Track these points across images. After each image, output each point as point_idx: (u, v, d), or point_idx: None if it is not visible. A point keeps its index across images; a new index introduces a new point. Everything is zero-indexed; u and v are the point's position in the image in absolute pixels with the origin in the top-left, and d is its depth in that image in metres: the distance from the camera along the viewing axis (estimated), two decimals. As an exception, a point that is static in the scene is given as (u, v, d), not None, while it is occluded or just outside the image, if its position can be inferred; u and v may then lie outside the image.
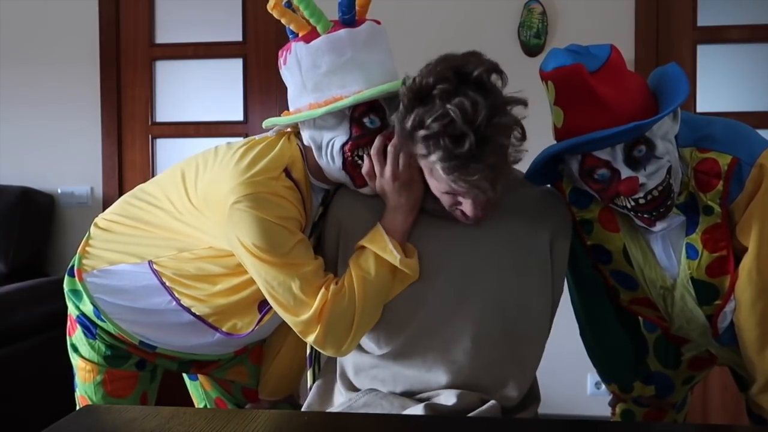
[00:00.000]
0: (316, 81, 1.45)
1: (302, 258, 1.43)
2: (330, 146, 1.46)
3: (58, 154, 3.35)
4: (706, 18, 2.98)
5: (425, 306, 1.45)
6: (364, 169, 1.45)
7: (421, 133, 1.28)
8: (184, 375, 1.90)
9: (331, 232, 1.52)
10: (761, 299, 1.42)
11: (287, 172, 1.46)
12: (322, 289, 1.42)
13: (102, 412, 1.34)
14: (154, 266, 1.57)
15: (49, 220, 3.29)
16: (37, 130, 3.35)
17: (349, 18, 1.45)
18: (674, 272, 1.49)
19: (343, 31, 1.44)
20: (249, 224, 1.39)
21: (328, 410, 1.53)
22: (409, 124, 1.30)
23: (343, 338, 1.43)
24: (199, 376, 1.86)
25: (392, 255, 1.43)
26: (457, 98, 1.26)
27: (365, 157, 1.46)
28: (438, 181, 1.35)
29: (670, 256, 1.48)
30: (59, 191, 3.33)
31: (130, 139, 3.36)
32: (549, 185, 1.56)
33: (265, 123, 1.54)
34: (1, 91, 3.38)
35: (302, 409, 1.57)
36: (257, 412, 1.46)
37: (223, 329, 1.59)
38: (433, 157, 1.29)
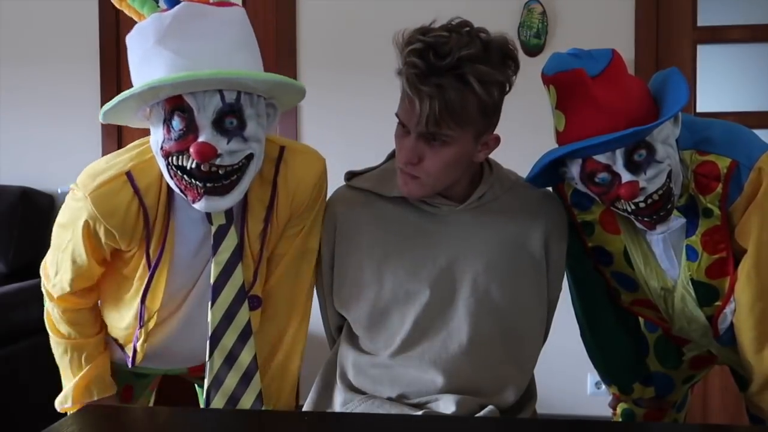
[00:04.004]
0: (135, 74, 1.31)
1: (61, 265, 1.44)
2: (156, 148, 1.31)
3: (58, 154, 3.34)
4: (706, 18, 2.98)
5: (420, 306, 1.45)
6: None
7: (416, 45, 1.30)
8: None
9: (327, 228, 1.53)
10: (760, 301, 1.42)
11: (130, 177, 1.35)
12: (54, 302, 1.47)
13: (102, 412, 1.34)
14: None
15: (49, 220, 3.25)
16: (37, 130, 3.35)
17: (167, 2, 1.29)
18: (675, 274, 1.49)
19: (150, 17, 1.29)
20: (63, 208, 1.44)
21: (328, 410, 1.53)
22: (406, 45, 1.32)
23: None
24: None
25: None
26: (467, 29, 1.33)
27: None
28: (401, 96, 1.35)
29: (671, 257, 1.48)
30: (59, 191, 3.32)
31: (130, 139, 3.30)
32: (550, 188, 1.56)
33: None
34: (1, 91, 3.38)
35: (302, 409, 1.57)
36: (257, 412, 1.45)
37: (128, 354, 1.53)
38: (405, 67, 1.30)
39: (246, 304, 1.44)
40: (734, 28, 2.97)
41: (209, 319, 1.42)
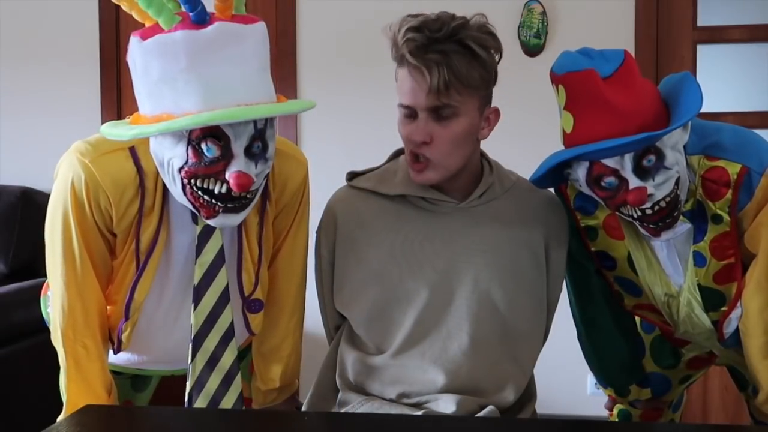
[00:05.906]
0: (149, 89, 1.26)
1: (68, 261, 1.34)
2: (170, 166, 1.28)
3: (58, 154, 3.31)
4: (706, 18, 2.98)
5: (420, 305, 1.46)
6: None
7: (410, 23, 1.33)
8: None
9: (328, 228, 1.53)
10: None
11: (133, 153, 1.32)
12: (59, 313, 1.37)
13: (102, 412, 1.34)
14: None
15: (49, 220, 3.28)
16: (37, 130, 3.35)
17: (195, 15, 1.20)
18: (679, 279, 1.48)
19: (178, 33, 1.20)
20: (55, 182, 1.37)
21: (327, 410, 1.53)
22: (399, 28, 1.35)
23: None
24: None
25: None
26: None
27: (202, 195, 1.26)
28: (400, 85, 1.38)
29: (675, 263, 1.47)
30: (59, 191, 3.32)
31: (130, 139, 3.35)
32: (553, 189, 1.55)
33: (102, 129, 1.35)
34: (1, 92, 3.38)
35: (302, 409, 1.57)
36: (256, 412, 1.46)
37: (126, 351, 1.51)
38: (405, 43, 1.33)
39: (229, 306, 1.43)
40: (734, 28, 2.97)
41: (192, 321, 1.41)
